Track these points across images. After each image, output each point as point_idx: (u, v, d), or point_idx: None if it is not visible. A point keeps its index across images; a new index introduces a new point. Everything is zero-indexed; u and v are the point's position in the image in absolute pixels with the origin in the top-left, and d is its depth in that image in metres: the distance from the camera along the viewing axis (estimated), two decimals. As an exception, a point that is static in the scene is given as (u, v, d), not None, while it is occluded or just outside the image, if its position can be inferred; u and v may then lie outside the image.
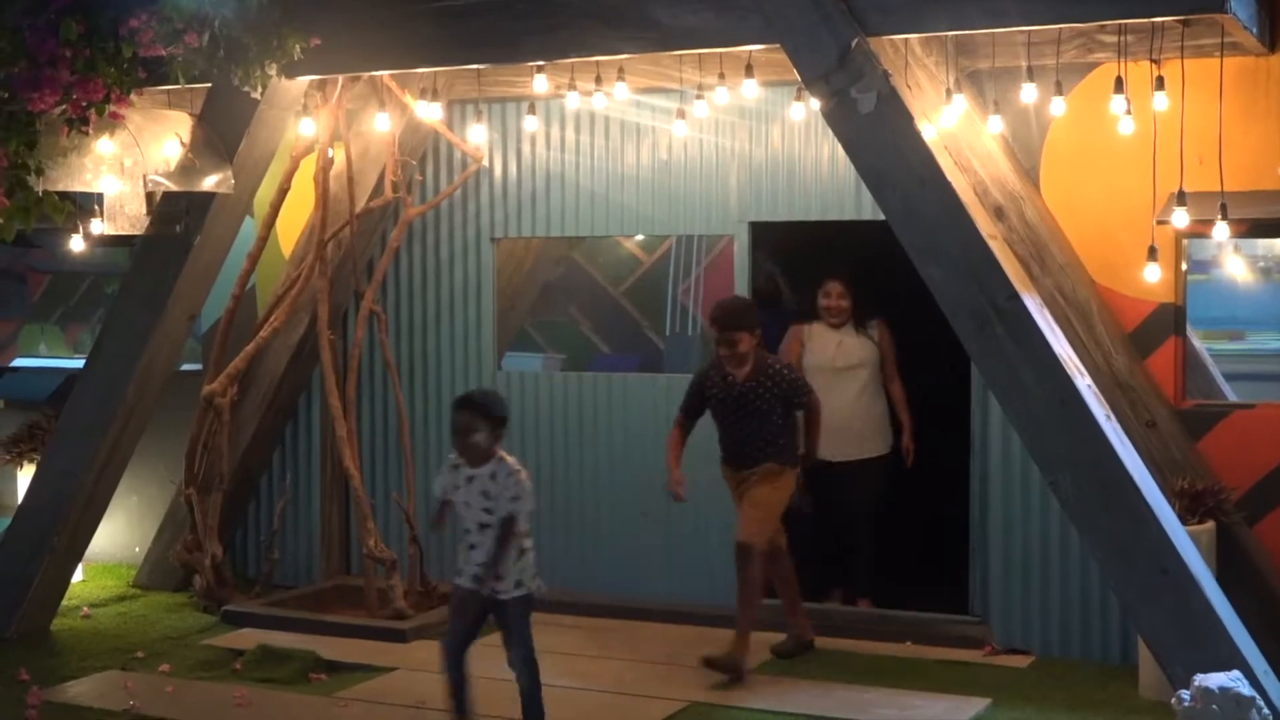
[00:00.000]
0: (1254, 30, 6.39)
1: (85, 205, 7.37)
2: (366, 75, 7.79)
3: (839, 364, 7.88)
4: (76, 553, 8.03)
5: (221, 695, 6.73)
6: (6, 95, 6.43)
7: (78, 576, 8.48)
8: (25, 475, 8.65)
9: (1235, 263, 7.10)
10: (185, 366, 8.72)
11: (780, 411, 6.99)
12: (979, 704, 6.49)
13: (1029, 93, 6.62)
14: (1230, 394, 7.19)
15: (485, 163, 8.42)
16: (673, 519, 8.03)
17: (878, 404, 7.95)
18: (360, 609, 7.91)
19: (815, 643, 7.29)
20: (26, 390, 9.71)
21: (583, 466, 8.30)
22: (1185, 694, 5.18)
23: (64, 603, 8.07)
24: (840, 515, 7.87)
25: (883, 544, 7.97)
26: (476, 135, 8.26)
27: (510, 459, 5.75)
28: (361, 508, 8.08)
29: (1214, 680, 5.15)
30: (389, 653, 7.36)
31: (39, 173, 6.66)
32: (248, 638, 7.61)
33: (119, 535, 9.23)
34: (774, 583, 7.27)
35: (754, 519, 6.95)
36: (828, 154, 7.59)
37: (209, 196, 7.50)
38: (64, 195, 7.00)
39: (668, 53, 6.96)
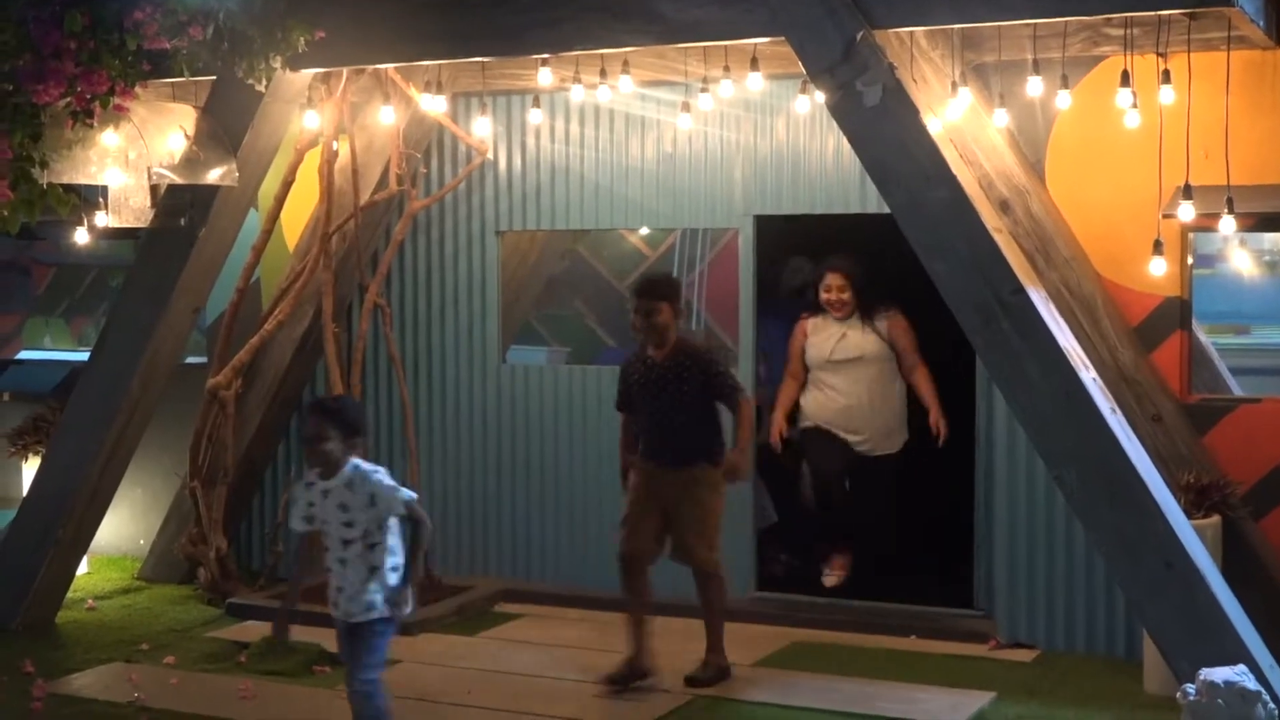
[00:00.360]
0: (1261, 23, 6.37)
1: (90, 198, 7.37)
2: (371, 68, 7.78)
3: (836, 357, 7.79)
4: (81, 545, 8.04)
5: (226, 687, 6.74)
6: (11, 88, 6.43)
7: (82, 569, 8.48)
8: (30, 468, 8.66)
9: (1241, 257, 7.09)
10: (190, 359, 8.71)
11: (701, 399, 6.56)
12: (983, 698, 6.48)
13: (1035, 86, 6.62)
14: (1236, 388, 7.18)
15: (490, 156, 8.42)
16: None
17: (886, 400, 7.82)
18: (364, 602, 7.91)
19: (733, 671, 6.78)
20: (31, 383, 9.72)
21: (586, 460, 8.29)
22: (1191, 688, 5.17)
23: (69, 595, 8.08)
24: (845, 507, 7.83)
25: (886, 537, 7.96)
26: (481, 128, 8.25)
27: (366, 464, 5.24)
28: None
29: (1219, 675, 5.15)
30: (392, 645, 7.34)
31: (44, 165, 6.66)
32: (252, 630, 7.61)
33: (124, 528, 9.23)
34: (628, 600, 6.77)
35: (701, 542, 6.63)
36: (833, 147, 7.58)
37: (213, 189, 7.50)
38: (68, 188, 7.00)
39: (673, 46, 6.95)
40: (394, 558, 5.21)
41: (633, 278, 8.98)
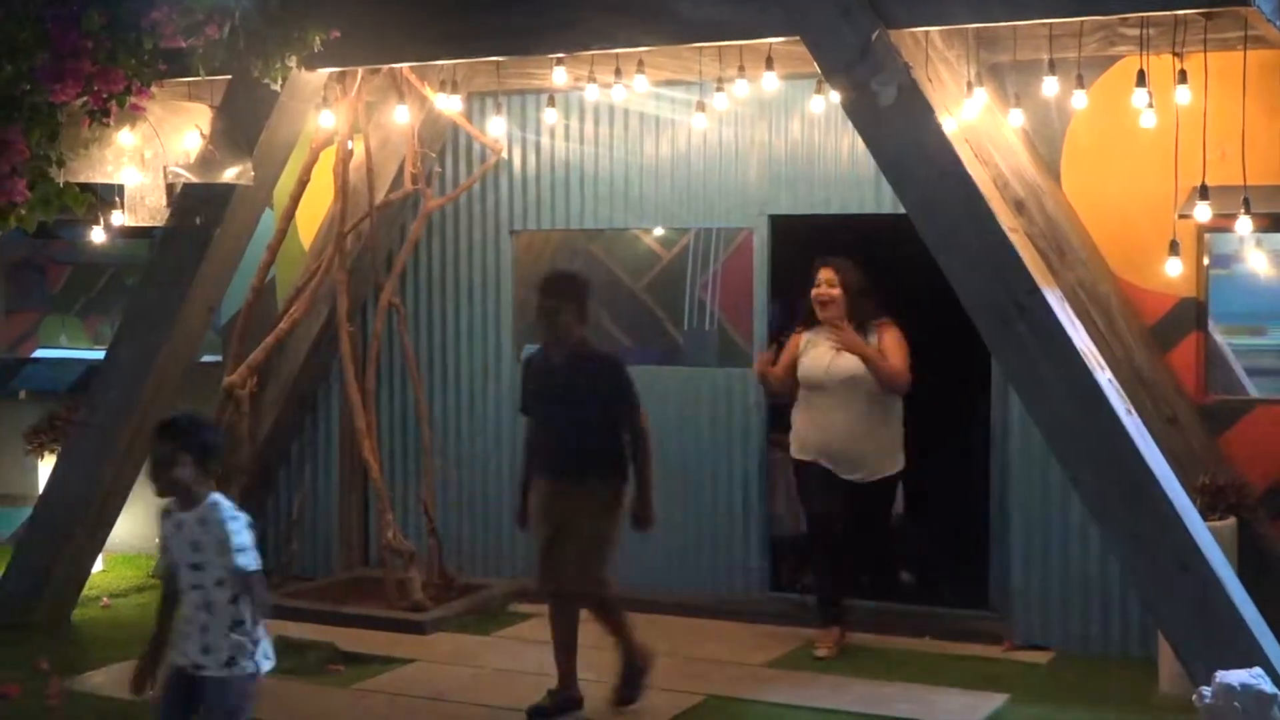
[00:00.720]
0: (1277, 23, 6.33)
1: (106, 197, 7.38)
2: (386, 67, 7.79)
3: (832, 375, 7.17)
4: (97, 543, 8.05)
5: (240, 686, 6.75)
6: (29, 87, 6.43)
7: (98, 567, 8.49)
8: (46, 466, 8.68)
9: (1257, 257, 7.05)
10: (205, 358, 8.73)
11: (599, 411, 6.06)
12: (997, 699, 6.48)
13: (1050, 86, 6.60)
14: (1252, 389, 7.16)
15: (504, 155, 8.43)
16: (689, 510, 8.03)
17: (884, 424, 7.23)
18: (379, 601, 7.92)
19: (583, 702, 6.28)
20: (47, 381, 9.75)
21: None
22: (1206, 691, 5.16)
23: (84, 593, 8.10)
24: (843, 529, 7.27)
25: (889, 559, 7.98)
26: (496, 128, 8.25)
27: (226, 502, 4.59)
28: (380, 499, 8.10)
29: (1235, 677, 5.13)
30: (407, 644, 7.37)
31: (60, 164, 6.67)
32: (266, 628, 7.62)
33: (139, 526, 9.22)
34: (555, 628, 6.25)
35: (589, 568, 6.09)
36: (848, 146, 7.57)
37: (229, 188, 7.50)
38: (85, 186, 7.00)
39: (688, 45, 6.95)
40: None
41: (648, 278, 8.98)
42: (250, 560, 4.52)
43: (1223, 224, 6.59)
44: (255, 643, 4.61)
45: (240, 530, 4.52)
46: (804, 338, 7.33)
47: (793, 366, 7.34)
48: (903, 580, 8.10)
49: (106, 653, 7.30)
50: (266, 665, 4.67)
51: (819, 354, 7.22)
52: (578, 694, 6.21)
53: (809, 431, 7.27)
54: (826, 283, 7.20)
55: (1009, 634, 7.30)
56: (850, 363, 7.13)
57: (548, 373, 6.15)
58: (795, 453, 7.34)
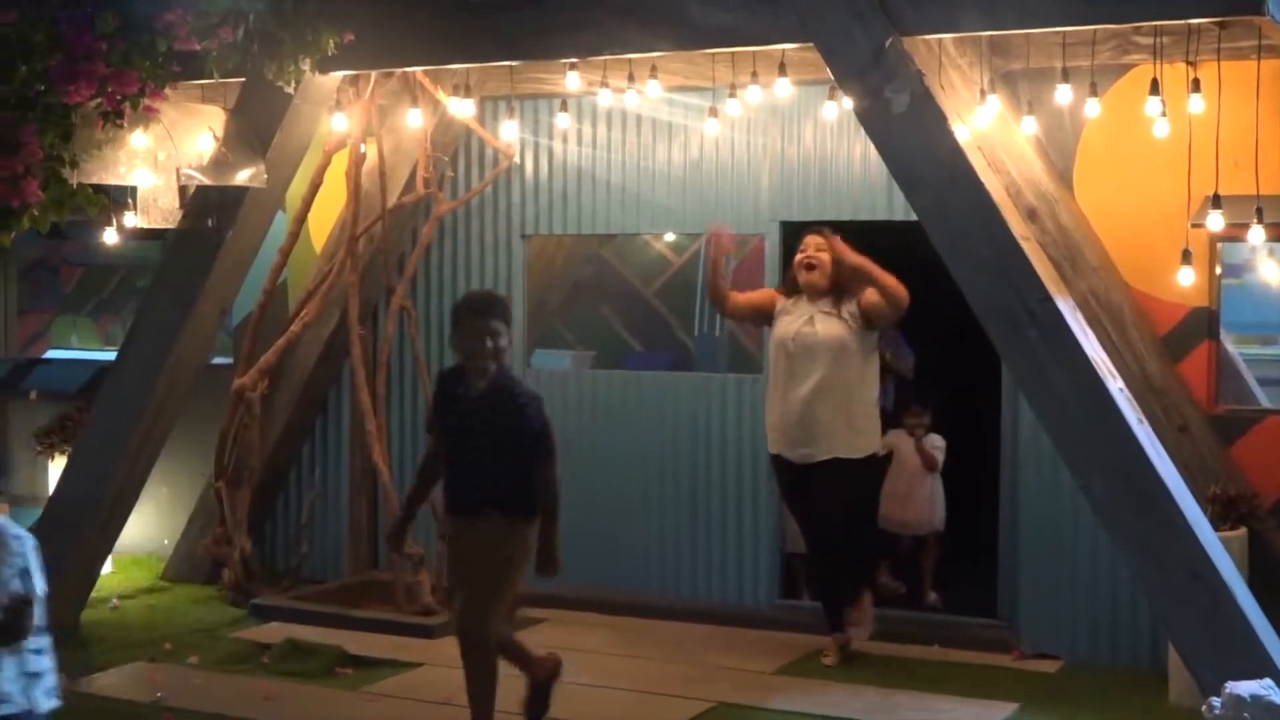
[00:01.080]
0: (1293, 32, 6.34)
1: (119, 198, 7.39)
2: (399, 71, 7.80)
3: (795, 345, 7.00)
4: (106, 544, 8.06)
5: (249, 688, 6.76)
6: (43, 88, 6.46)
7: (107, 568, 8.51)
8: (56, 467, 8.70)
9: (1270, 266, 7.05)
10: (216, 360, 8.75)
11: (512, 447, 5.59)
12: (1007, 709, 6.46)
13: (1063, 94, 6.59)
14: (1263, 399, 7.14)
15: (516, 160, 8.44)
16: (698, 517, 8.03)
17: (850, 399, 6.95)
18: (388, 604, 7.92)
19: None
20: (58, 382, 9.76)
21: (610, 464, 8.29)
22: (1216, 701, 5.15)
23: (93, 594, 8.09)
24: (811, 523, 7.15)
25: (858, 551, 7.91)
26: (508, 132, 8.27)
27: (13, 525, 4.14)
28: (390, 503, 8.09)
29: (1245, 688, 5.12)
30: (416, 648, 7.37)
31: (73, 165, 6.69)
32: (275, 631, 7.64)
33: (149, 527, 9.27)
34: (467, 675, 5.72)
35: (482, 600, 5.60)
36: (860, 153, 7.57)
37: (241, 191, 7.52)
38: (98, 188, 7.02)
39: (701, 51, 6.94)
40: (41, 638, 4.21)
41: (659, 283, 8.97)
42: (37, 583, 4.10)
43: (1235, 233, 6.58)
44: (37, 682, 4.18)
45: (24, 547, 4.08)
46: (779, 303, 7.19)
47: (749, 308, 7.38)
48: (930, 602, 8.03)
49: (115, 654, 7.32)
50: (49, 700, 4.23)
51: (789, 321, 7.09)
52: None
53: (771, 411, 7.17)
54: (815, 247, 7.05)
55: (1018, 643, 7.29)
56: (821, 330, 6.96)
57: (466, 400, 5.63)
58: (769, 445, 7.27)
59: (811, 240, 7.07)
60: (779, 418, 7.08)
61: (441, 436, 5.77)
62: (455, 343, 5.75)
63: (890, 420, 7.83)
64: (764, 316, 7.31)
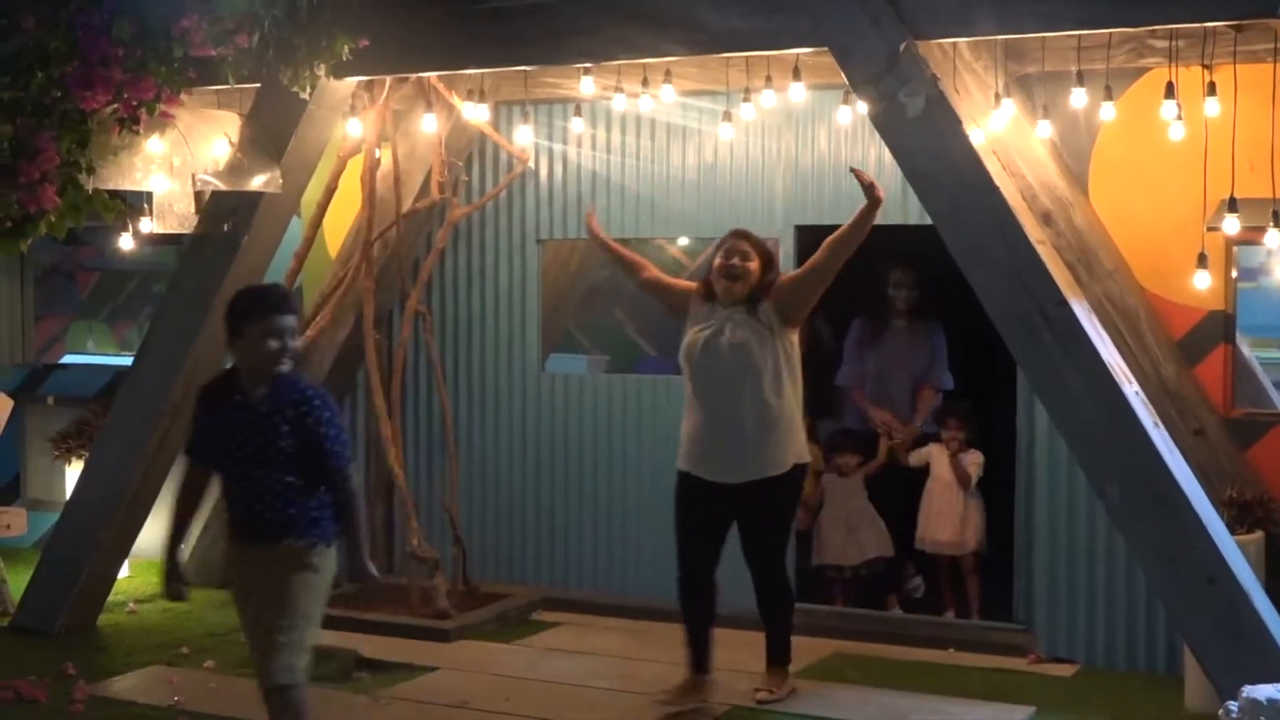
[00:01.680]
0: (1309, 35, 6.33)
1: (135, 204, 7.42)
2: (414, 76, 7.82)
3: (699, 352, 6.38)
4: (123, 548, 8.09)
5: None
6: (59, 94, 6.48)
7: (124, 572, 8.54)
8: (73, 471, 8.72)
9: (1287, 270, 7.03)
10: (231, 364, 8.77)
11: (298, 461, 4.81)
12: (1022, 712, 6.45)
13: (1079, 97, 6.58)
14: (1280, 403, 7.13)
15: (531, 164, 8.44)
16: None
17: (768, 410, 6.33)
18: (403, 608, 7.93)
19: None
20: (75, 387, 9.80)
21: (625, 467, 8.30)
22: (1233, 705, 5.12)
23: (110, 598, 8.13)
24: (712, 547, 6.56)
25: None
26: (523, 137, 8.27)
27: None
28: (405, 507, 8.12)
29: (1262, 692, 5.10)
30: (431, 652, 7.38)
31: (90, 171, 6.72)
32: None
33: (165, 532, 9.28)
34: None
35: (285, 647, 4.86)
36: (874, 158, 7.56)
37: (257, 196, 7.54)
38: (114, 194, 7.06)
39: (715, 55, 6.94)
40: None
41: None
42: None
43: (1251, 237, 6.56)
44: None
45: None
46: (693, 306, 6.55)
47: (663, 289, 6.81)
48: (911, 588, 8.03)
49: (132, 658, 7.35)
50: None
51: (704, 326, 6.43)
52: None
53: (686, 438, 6.52)
54: (740, 255, 6.39)
55: (1033, 647, 7.27)
56: (729, 338, 6.31)
57: (242, 411, 4.85)
58: (678, 460, 6.58)
59: (736, 246, 6.42)
60: (687, 437, 6.48)
61: (214, 458, 4.95)
62: (244, 346, 4.87)
63: (929, 435, 7.90)
64: (675, 309, 6.67)
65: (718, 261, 6.43)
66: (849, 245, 6.30)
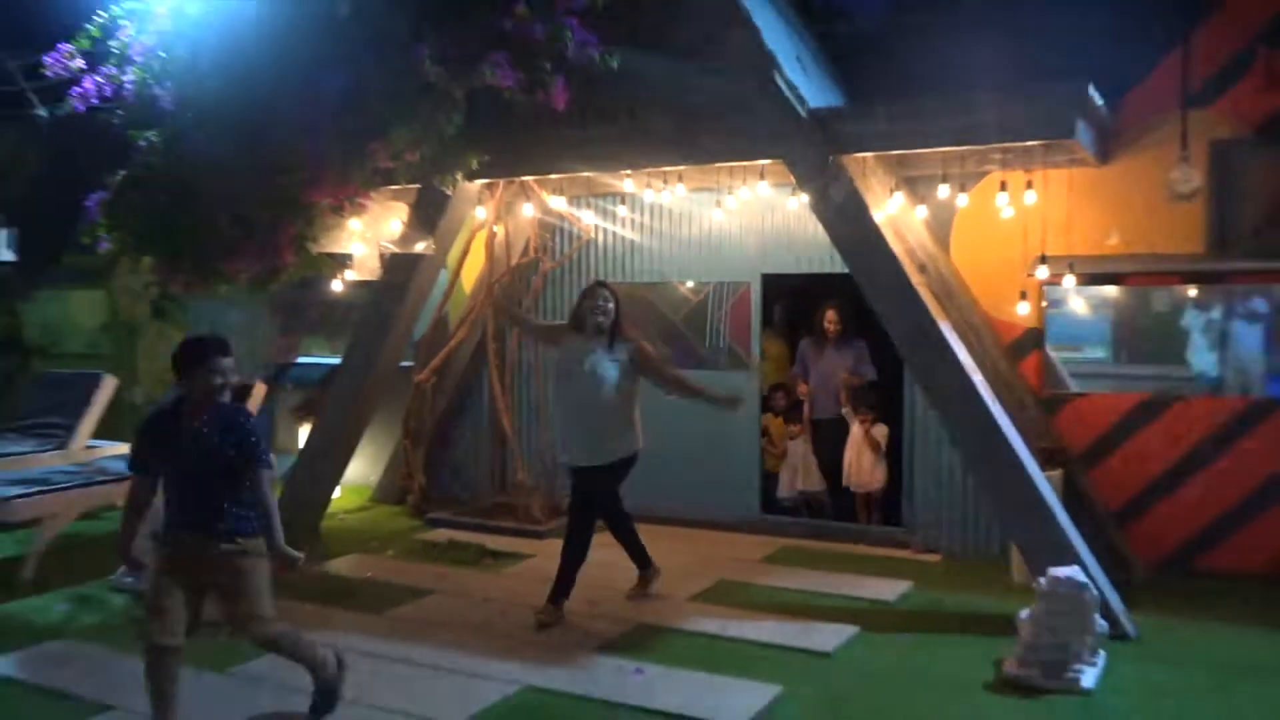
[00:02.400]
0: (1092, 150, 6.27)
1: (341, 260, 7.45)
2: (518, 179, 7.82)
3: (579, 377, 5.62)
4: (336, 478, 8.09)
5: (426, 570, 6.80)
6: (295, 193, 6.49)
7: (336, 494, 8.56)
8: (304, 430, 8.76)
9: (1077, 301, 6.95)
10: (403, 364, 8.79)
11: (233, 470, 4.09)
12: (906, 584, 6.43)
13: (943, 191, 6.55)
14: (1073, 386, 7.06)
15: (591, 235, 8.43)
16: (710, 462, 7.99)
17: (613, 420, 5.66)
18: (512, 516, 7.94)
19: None
20: (305, 377, 9.84)
21: (656, 419, 8.23)
22: (1043, 580, 5.10)
23: (328, 511, 8.16)
24: (591, 509, 5.84)
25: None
26: (587, 217, 8.26)
27: None
28: (514, 453, 8.12)
29: (1062, 572, 5.08)
30: (530, 545, 7.39)
31: (313, 240, 6.74)
32: (442, 534, 7.68)
33: (362, 468, 9.32)
34: (153, 679, 4.09)
35: (247, 617, 4.10)
36: (813, 229, 7.51)
37: (419, 256, 7.56)
38: (329, 255, 7.08)
39: (709, 165, 6.93)
40: None
41: (683, 314, 8.95)
42: None
43: (1055, 280, 6.53)
44: None
45: None
46: (565, 338, 5.79)
47: (541, 333, 6.54)
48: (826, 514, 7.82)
49: (342, 548, 7.39)
50: None
51: (573, 351, 5.70)
52: None
53: (562, 428, 5.89)
54: (602, 298, 5.69)
55: (913, 543, 7.23)
56: (594, 368, 5.62)
57: (186, 434, 4.10)
58: (560, 455, 5.94)
59: (599, 291, 5.73)
60: (567, 434, 5.77)
61: (163, 471, 4.15)
62: (193, 383, 4.09)
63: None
64: (553, 341, 6.01)
65: (586, 304, 5.69)
66: (678, 391, 5.71)
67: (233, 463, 4.07)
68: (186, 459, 4.09)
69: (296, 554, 4.12)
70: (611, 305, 5.70)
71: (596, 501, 5.77)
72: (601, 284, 5.81)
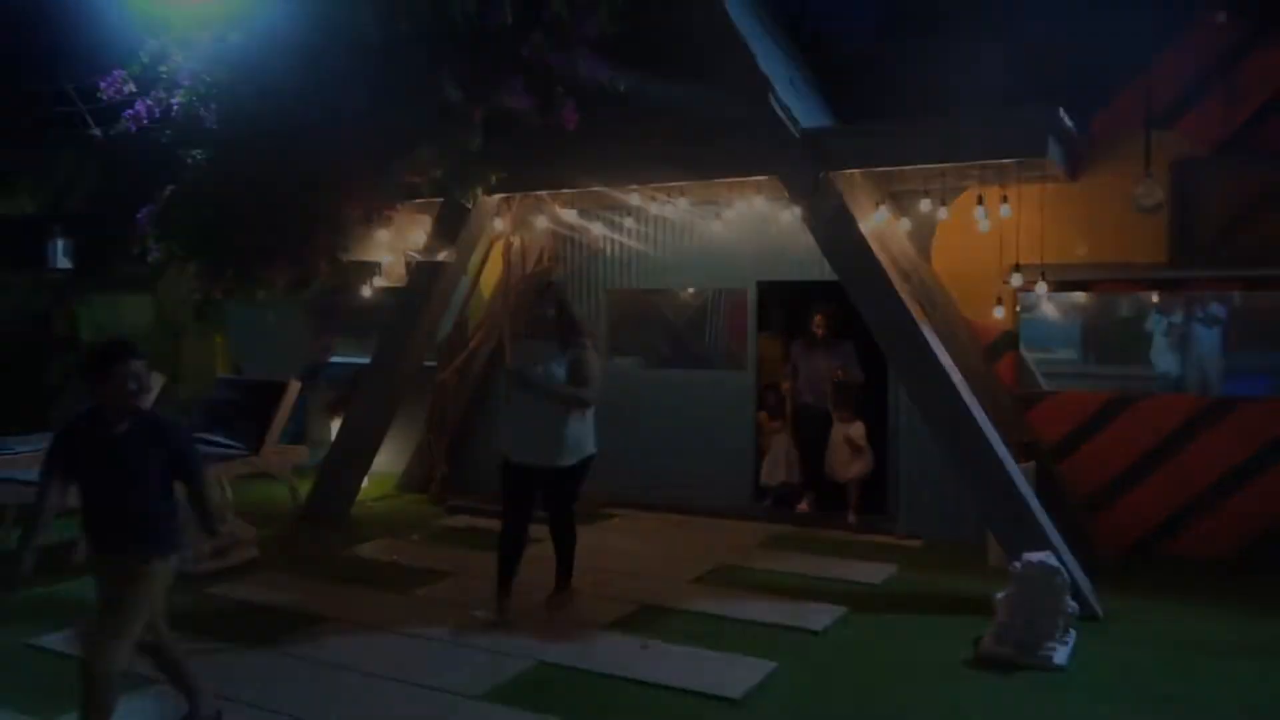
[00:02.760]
0: (1063, 166, 6.25)
1: (370, 268, 7.44)
2: (533, 194, 7.81)
3: (526, 378, 5.09)
4: (365, 468, 8.10)
5: (448, 553, 6.79)
6: (330, 210, 6.47)
7: (365, 483, 8.55)
8: (335, 424, 8.76)
9: (1049, 306, 6.94)
10: (427, 363, 8.78)
11: (160, 477, 3.61)
12: (891, 567, 6.40)
13: (925, 205, 6.53)
14: (1045, 384, 7.04)
15: (601, 245, 8.41)
16: (709, 454, 7.97)
17: (563, 423, 5.12)
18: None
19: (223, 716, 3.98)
20: (337, 375, 9.84)
21: (656, 420, 8.25)
22: (1017, 564, 5.08)
23: (358, 498, 8.15)
24: (526, 511, 5.31)
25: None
26: (596, 229, 8.25)
27: None
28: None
29: (1035, 557, 5.05)
30: (541, 531, 7.32)
31: (345, 250, 6.72)
32: (461, 521, 7.66)
33: (389, 458, 9.31)
34: (167, 672, 3.91)
35: (109, 632, 3.50)
36: (805, 241, 7.47)
37: (441, 264, 7.55)
38: (359, 263, 7.06)
39: (710, 180, 6.91)
40: None
41: (686, 317, 8.94)
42: None
43: (1029, 287, 6.51)
44: None
45: None
46: (521, 343, 5.46)
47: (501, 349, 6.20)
48: (850, 522, 7.55)
49: (370, 532, 7.37)
50: None
51: (526, 353, 5.24)
52: (213, 713, 3.95)
53: (507, 425, 5.25)
54: (545, 302, 5.21)
55: (896, 529, 7.20)
56: (546, 374, 5.10)
57: (106, 441, 3.60)
58: (504, 450, 5.19)
59: (545, 294, 5.31)
60: (513, 432, 5.17)
61: (82, 478, 3.64)
62: (105, 390, 3.57)
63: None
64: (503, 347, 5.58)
65: (537, 311, 5.21)
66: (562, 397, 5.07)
67: (158, 474, 3.58)
68: (105, 466, 3.58)
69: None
70: (552, 312, 5.10)
71: (553, 502, 5.20)
72: (550, 284, 5.34)
